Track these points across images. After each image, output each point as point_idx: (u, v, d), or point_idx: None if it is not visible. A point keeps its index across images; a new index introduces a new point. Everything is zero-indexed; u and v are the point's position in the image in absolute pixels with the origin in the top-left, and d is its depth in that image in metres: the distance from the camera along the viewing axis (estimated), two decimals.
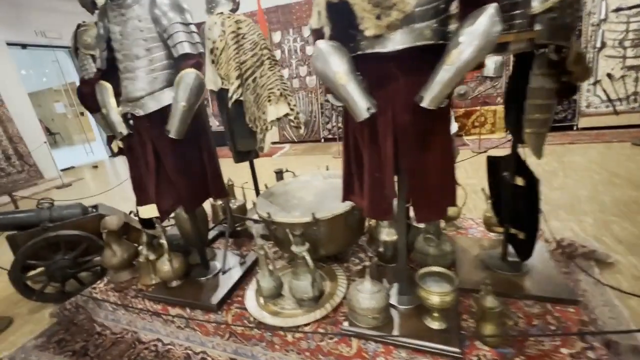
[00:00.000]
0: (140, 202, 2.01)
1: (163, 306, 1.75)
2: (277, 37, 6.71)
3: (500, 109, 5.42)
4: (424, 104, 0.98)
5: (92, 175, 6.67)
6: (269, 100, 2.02)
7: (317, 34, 1.09)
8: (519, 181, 1.45)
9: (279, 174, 2.46)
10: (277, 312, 1.54)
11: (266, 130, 2.17)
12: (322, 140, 6.95)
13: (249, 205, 2.46)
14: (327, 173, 2.18)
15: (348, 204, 1.64)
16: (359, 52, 1.04)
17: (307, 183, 2.05)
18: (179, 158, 1.54)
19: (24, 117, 6.12)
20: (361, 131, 1.17)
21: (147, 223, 2.35)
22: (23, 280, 2.22)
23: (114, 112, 1.49)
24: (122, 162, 7.71)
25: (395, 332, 1.31)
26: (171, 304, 1.73)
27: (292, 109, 2.10)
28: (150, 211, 2.03)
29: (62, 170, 6.96)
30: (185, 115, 1.38)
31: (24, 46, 6.43)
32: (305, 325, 1.44)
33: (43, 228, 2.30)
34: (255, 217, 2.20)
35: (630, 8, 4.78)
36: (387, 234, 1.71)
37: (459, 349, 1.19)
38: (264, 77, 2.03)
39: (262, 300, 1.61)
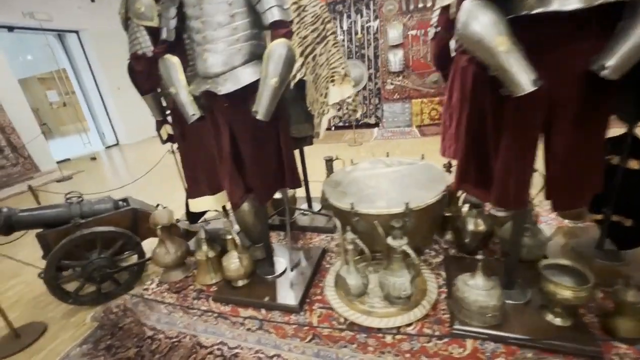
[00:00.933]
0: (193, 194, 1.84)
1: (232, 307, 1.60)
2: None
3: None
4: (607, 72, 0.84)
5: (91, 168, 6.32)
6: (332, 81, 1.84)
7: None
8: (634, 164, 1.34)
9: (329, 162, 2.31)
10: (369, 312, 1.41)
11: (323, 114, 2.00)
12: (333, 128, 6.76)
13: (298, 195, 2.30)
14: (389, 160, 2.04)
15: (437, 193, 1.51)
16: (522, 13, 0.88)
17: (373, 171, 1.90)
18: (257, 143, 1.36)
19: (15, 106, 5.70)
20: (498, 110, 1.02)
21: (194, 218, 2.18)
22: (58, 282, 2.02)
23: (185, 91, 1.29)
24: (119, 153, 7.35)
25: (516, 330, 1.20)
26: (243, 305, 1.57)
27: None
28: (202, 204, 1.86)
29: (57, 162, 6.58)
30: (276, 93, 1.20)
31: (10, 29, 5.94)
32: (407, 325, 1.32)
33: (75, 225, 2.09)
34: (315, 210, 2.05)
35: None
36: (475, 224, 1.60)
37: (598, 348, 1.09)
38: (324, 55, 1.84)
39: (347, 299, 1.48)
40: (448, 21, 1.70)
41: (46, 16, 6.14)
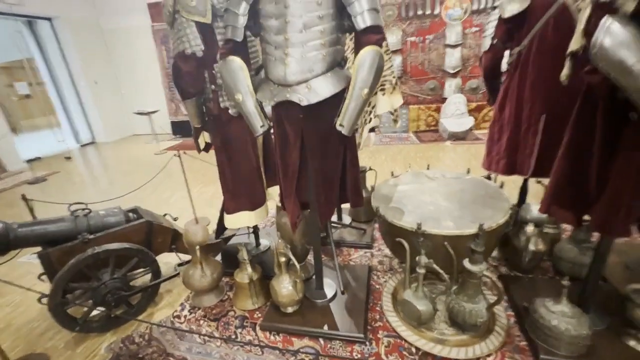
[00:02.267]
0: (231, 209, 1.66)
1: (284, 337, 1.45)
2: None
3: None
4: None
5: (67, 168, 5.78)
6: (382, 90, 1.74)
7: (603, 11, 0.86)
8: None
9: (362, 173, 2.21)
10: (441, 340, 1.32)
11: (365, 123, 1.90)
12: None
13: None
14: (431, 173, 1.97)
15: (503, 212, 1.46)
16: None
17: (421, 185, 1.82)
18: (327, 158, 1.22)
19: None
20: (614, 134, 0.97)
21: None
22: (64, 309, 1.75)
23: (252, 99, 1.13)
24: (96, 152, 6.80)
25: (607, 358, 1.16)
26: (297, 334, 1.43)
27: None
28: (241, 220, 1.69)
29: (26, 161, 5.98)
30: (364, 105, 1.08)
31: None
32: (488, 355, 1.25)
33: (83, 241, 1.83)
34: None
35: None
36: (535, 244, 1.56)
37: None
38: None
39: (411, 324, 1.38)
40: (506, 32, 1.66)
41: (15, 0, 5.54)
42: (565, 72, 1.06)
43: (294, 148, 1.20)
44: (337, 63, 1.14)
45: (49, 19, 6.37)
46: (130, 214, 2.16)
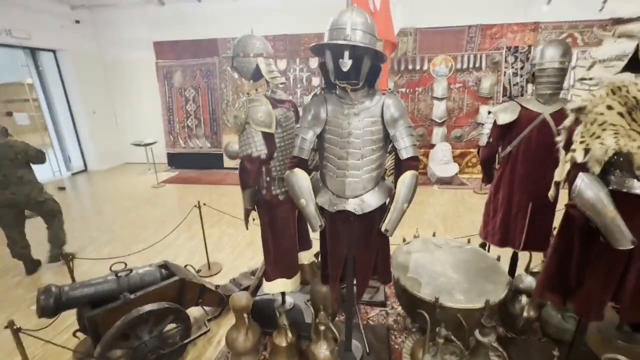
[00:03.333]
0: (271, 276, 1.90)
1: None
2: (282, 64, 6.66)
3: None
4: None
5: (64, 201, 5.70)
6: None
7: (579, 168, 1.22)
8: None
9: None
10: None
11: None
12: None
13: None
14: (437, 240, 2.29)
15: (503, 286, 1.78)
16: (619, 189, 1.20)
17: (431, 254, 2.13)
18: (369, 249, 1.51)
19: None
20: (588, 245, 1.32)
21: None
22: None
23: (312, 204, 1.42)
24: (88, 182, 6.76)
25: None
26: None
27: None
28: (278, 286, 1.92)
29: None
30: (403, 214, 1.39)
31: None
32: None
33: (126, 301, 1.97)
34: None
35: (590, 79, 5.87)
36: (528, 311, 1.88)
37: None
38: None
39: None
40: (499, 134, 2.05)
41: (25, 34, 5.68)
42: (551, 193, 1.42)
43: (344, 242, 1.49)
44: (381, 178, 1.46)
45: (52, 51, 6.50)
46: (163, 271, 2.32)
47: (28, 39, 5.76)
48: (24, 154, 2.95)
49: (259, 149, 1.56)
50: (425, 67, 6.13)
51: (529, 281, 1.93)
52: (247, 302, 1.80)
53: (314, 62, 6.61)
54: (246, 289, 2.61)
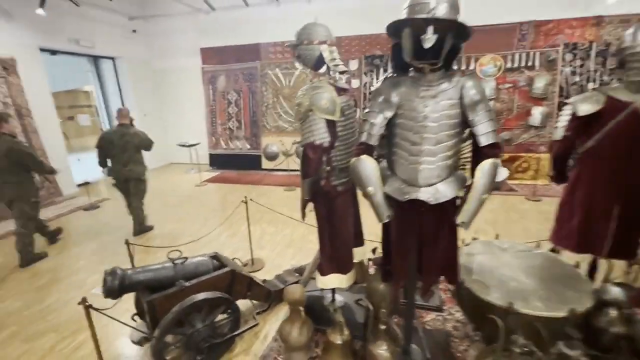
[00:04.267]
0: (326, 271, 1.84)
1: None
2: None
3: (544, 156, 5.67)
4: None
5: (114, 195, 6.11)
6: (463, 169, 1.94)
7: None
8: None
9: None
10: None
11: None
12: None
13: None
14: (500, 243, 2.11)
15: (587, 295, 1.58)
16: None
17: (493, 255, 1.96)
18: (437, 244, 1.41)
19: (48, 129, 5.58)
20: None
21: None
22: (162, 353, 1.90)
23: (381, 192, 1.34)
24: None
25: None
26: None
27: None
28: (333, 282, 1.86)
29: (77, 185, 6.36)
30: (482, 206, 1.27)
31: (53, 52, 5.96)
32: None
33: (181, 289, 2.01)
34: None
35: None
36: (618, 326, 1.65)
37: None
38: None
39: None
40: (578, 127, 1.86)
41: (90, 43, 6.22)
42: None
43: (412, 233, 1.39)
44: (456, 168, 1.36)
45: (112, 58, 7.05)
46: (214, 262, 2.36)
47: (92, 48, 6.30)
48: (142, 141, 3.81)
49: (322, 136, 1.52)
50: (471, 67, 5.86)
51: (616, 292, 1.70)
52: (301, 295, 1.75)
53: (353, 65, 6.58)
54: None
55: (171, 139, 7.90)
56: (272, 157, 7.00)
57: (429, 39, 1.09)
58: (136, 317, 2.15)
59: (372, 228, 2.06)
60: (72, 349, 2.23)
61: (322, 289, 2.05)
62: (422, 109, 1.26)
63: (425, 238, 1.39)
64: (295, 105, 1.65)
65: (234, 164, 7.43)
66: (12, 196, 3.28)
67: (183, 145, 7.18)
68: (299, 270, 2.82)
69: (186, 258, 2.16)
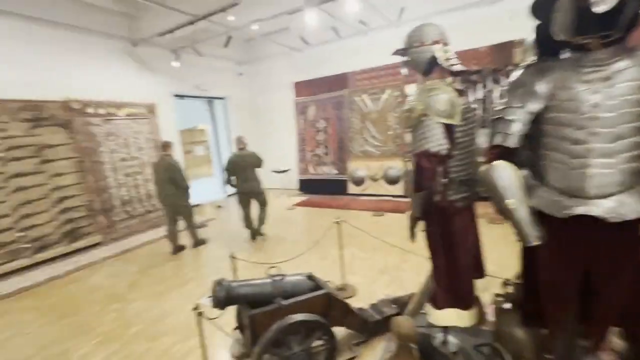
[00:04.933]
0: (441, 303, 1.56)
1: None
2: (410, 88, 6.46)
3: None
4: None
5: (219, 215, 6.85)
6: None
7: None
8: None
9: None
10: None
11: None
12: None
13: None
14: None
15: None
16: None
17: None
18: (619, 284, 1.02)
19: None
20: None
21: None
22: None
23: (526, 207, 1.07)
24: (236, 204, 7.91)
25: None
26: None
27: None
28: (448, 318, 1.55)
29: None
30: None
31: (181, 97, 7.26)
32: None
33: (279, 307, 1.97)
34: None
35: None
36: None
37: None
38: None
39: None
40: None
41: (207, 87, 7.40)
42: None
43: (577, 264, 1.04)
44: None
45: (222, 98, 8.24)
46: (309, 281, 2.28)
47: (208, 90, 7.48)
48: (255, 160, 4.71)
49: (440, 143, 1.33)
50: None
51: None
52: (411, 329, 1.51)
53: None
54: (387, 318, 2.30)
55: (266, 165, 8.62)
56: (358, 182, 6.91)
57: (608, 0, 0.84)
58: (235, 331, 2.19)
59: (490, 256, 1.70)
60: (184, 353, 2.39)
61: (431, 326, 1.74)
62: (588, 96, 0.97)
63: (598, 270, 1.02)
64: (404, 112, 1.51)
65: (321, 189, 7.59)
66: (170, 202, 4.48)
67: (276, 172, 7.72)
68: (397, 302, 2.54)
69: (284, 275, 2.14)
